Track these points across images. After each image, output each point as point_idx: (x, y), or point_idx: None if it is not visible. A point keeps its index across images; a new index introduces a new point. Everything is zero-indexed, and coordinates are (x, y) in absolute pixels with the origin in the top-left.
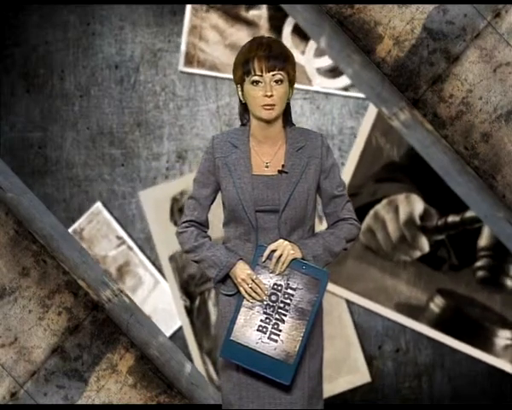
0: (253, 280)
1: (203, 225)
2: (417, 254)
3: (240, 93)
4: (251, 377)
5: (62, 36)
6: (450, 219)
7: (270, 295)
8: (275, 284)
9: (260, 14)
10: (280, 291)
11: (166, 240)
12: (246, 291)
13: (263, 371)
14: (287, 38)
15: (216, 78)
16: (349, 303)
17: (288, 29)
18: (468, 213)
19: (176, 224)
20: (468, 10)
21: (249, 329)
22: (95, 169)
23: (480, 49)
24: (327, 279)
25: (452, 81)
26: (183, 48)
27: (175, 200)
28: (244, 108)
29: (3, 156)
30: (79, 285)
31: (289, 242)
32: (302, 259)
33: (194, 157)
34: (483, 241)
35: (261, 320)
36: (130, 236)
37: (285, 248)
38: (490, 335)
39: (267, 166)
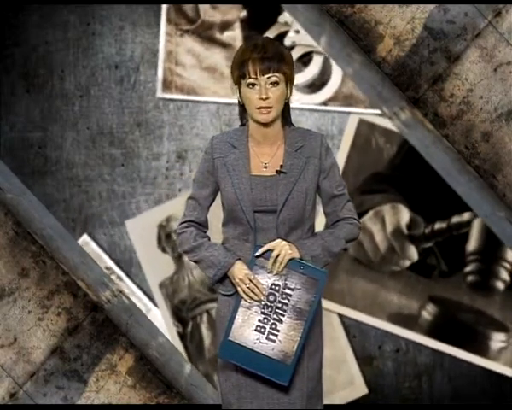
0: (250, 280)
1: (202, 226)
2: (407, 263)
3: (238, 94)
4: (250, 378)
5: (62, 36)
6: (437, 225)
7: (267, 296)
8: (273, 284)
9: (235, 35)
10: (278, 291)
11: (155, 267)
12: (244, 291)
13: (261, 371)
14: None
15: (195, 102)
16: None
17: None
18: (455, 219)
19: (164, 250)
20: (469, 9)
21: (247, 329)
22: (95, 169)
23: (481, 49)
24: (325, 279)
25: (453, 80)
26: (159, 74)
27: (161, 226)
28: (243, 109)
29: (3, 156)
30: (79, 286)
31: (287, 242)
32: (300, 259)
33: (194, 157)
34: (471, 245)
35: (259, 320)
36: (119, 265)
37: (282, 248)
38: (484, 339)
39: (266, 167)
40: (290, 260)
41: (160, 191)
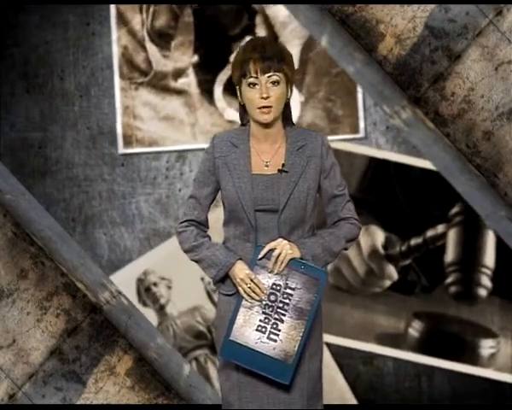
0: (251, 280)
1: (203, 225)
2: (387, 283)
3: (238, 94)
4: (250, 377)
5: (62, 36)
6: (413, 242)
7: (269, 295)
8: (274, 283)
9: (189, 81)
10: (279, 291)
11: None
12: (245, 291)
13: (262, 370)
14: (219, 98)
15: (158, 152)
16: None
17: (218, 90)
18: (430, 233)
19: (145, 304)
20: (470, 8)
21: (248, 329)
22: (95, 169)
23: (482, 48)
24: (326, 279)
25: (454, 79)
26: (119, 131)
27: (140, 281)
28: (244, 109)
29: (3, 156)
30: (78, 287)
31: (288, 241)
32: (301, 258)
33: (194, 157)
34: (449, 256)
35: (260, 320)
36: None
37: (283, 248)
38: (474, 347)
39: (267, 166)
40: (291, 259)
41: (160, 191)
